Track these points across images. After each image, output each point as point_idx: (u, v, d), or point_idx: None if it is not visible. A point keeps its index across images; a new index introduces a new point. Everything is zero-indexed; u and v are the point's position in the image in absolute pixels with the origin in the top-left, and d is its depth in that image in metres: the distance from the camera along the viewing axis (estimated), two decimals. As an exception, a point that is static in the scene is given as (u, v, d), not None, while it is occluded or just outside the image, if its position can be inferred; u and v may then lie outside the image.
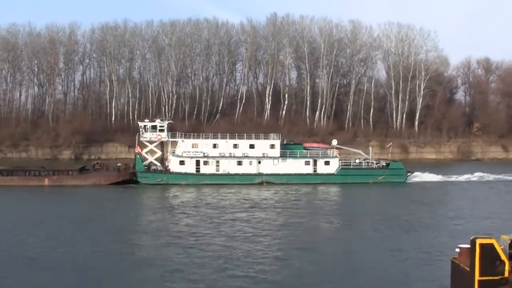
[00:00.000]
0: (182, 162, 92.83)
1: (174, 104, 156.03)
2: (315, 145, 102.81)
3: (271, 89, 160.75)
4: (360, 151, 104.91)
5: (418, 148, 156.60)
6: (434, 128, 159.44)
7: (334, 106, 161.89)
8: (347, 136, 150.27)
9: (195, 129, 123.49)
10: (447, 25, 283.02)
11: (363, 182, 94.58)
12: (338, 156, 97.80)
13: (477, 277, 28.38)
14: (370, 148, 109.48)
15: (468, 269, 28.84)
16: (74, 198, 78.74)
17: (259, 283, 38.52)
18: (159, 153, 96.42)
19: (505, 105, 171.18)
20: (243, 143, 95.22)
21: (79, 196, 79.84)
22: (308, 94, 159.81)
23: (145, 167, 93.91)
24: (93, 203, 74.21)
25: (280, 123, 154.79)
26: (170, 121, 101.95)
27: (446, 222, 61.42)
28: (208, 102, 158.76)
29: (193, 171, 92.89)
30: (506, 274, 28.53)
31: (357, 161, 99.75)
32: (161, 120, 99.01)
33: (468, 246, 29.41)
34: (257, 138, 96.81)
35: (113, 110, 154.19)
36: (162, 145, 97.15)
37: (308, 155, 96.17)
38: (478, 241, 28.50)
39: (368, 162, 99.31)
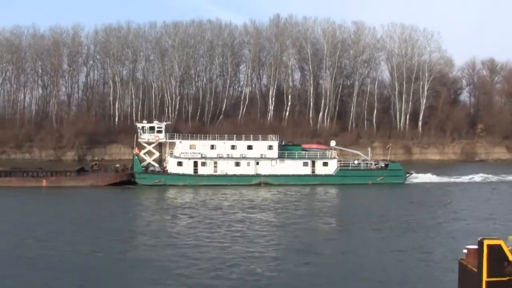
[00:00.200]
0: (180, 163, 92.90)
1: (177, 106, 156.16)
2: (314, 146, 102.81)
3: (275, 90, 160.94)
4: (359, 152, 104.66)
5: (421, 149, 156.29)
6: (437, 129, 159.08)
7: (337, 107, 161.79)
8: (350, 137, 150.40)
9: (199, 130, 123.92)
10: (451, 26, 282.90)
11: (361, 183, 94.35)
12: (337, 157, 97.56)
13: (484, 278, 28.20)
14: (369, 149, 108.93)
15: (476, 270, 28.65)
16: (71, 199, 78.80)
17: (257, 284, 38.45)
18: (157, 154, 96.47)
19: (510, 106, 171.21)
20: (241, 144, 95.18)
21: (76, 197, 79.93)
22: (311, 95, 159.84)
23: (143, 168, 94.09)
24: (90, 204, 74.27)
25: (284, 124, 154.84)
26: (168, 122, 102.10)
27: (445, 223, 60.88)
28: (212, 103, 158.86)
29: (191, 172, 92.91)
30: None
31: (356, 162, 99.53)
32: (159, 121, 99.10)
33: (475, 247, 29.25)
34: (255, 139, 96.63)
35: (117, 112, 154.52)
36: (160, 146, 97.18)
37: (306, 156, 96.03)
38: (485, 242, 28.35)
39: (367, 163, 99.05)
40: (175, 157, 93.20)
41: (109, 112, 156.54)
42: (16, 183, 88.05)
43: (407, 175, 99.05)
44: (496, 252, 28.31)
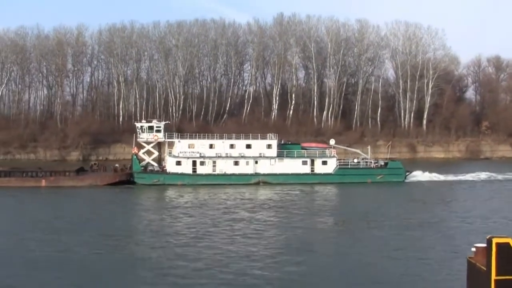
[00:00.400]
0: (178, 163, 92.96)
1: (181, 105, 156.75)
2: (313, 144, 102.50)
3: (279, 89, 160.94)
4: (358, 151, 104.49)
5: (426, 147, 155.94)
6: (442, 127, 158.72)
7: (341, 106, 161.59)
8: (354, 136, 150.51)
9: (203, 130, 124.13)
10: (457, 23, 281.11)
11: (361, 182, 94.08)
12: (336, 155, 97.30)
13: (493, 276, 27.88)
14: (369, 147, 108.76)
15: (485, 269, 28.32)
16: (69, 199, 79.12)
17: (256, 284, 38.40)
18: (156, 154, 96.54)
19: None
20: (240, 143, 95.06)
21: (74, 197, 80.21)
22: (315, 93, 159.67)
23: (142, 168, 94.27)
24: (88, 204, 74.48)
25: (288, 123, 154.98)
26: (167, 122, 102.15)
27: (445, 222, 60.54)
28: (216, 103, 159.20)
29: (190, 171, 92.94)
30: None
31: (355, 160, 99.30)
32: (158, 121, 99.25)
33: (484, 245, 29.08)
34: (254, 138, 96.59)
35: (121, 111, 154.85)
36: (159, 145, 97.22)
37: (305, 154, 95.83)
38: (494, 240, 28.07)
39: (366, 162, 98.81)
40: (174, 156, 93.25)
41: (114, 112, 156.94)
42: (15, 183, 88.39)
43: (407, 173, 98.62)
44: (505, 250, 27.99)
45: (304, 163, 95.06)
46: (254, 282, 38.68)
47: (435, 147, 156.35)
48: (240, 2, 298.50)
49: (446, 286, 38.22)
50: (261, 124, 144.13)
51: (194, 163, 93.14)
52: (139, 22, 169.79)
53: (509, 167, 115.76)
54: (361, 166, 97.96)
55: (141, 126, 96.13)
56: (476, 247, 29.66)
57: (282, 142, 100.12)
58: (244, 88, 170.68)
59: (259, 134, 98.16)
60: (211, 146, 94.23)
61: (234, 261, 43.62)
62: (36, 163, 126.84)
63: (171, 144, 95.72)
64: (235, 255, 45.53)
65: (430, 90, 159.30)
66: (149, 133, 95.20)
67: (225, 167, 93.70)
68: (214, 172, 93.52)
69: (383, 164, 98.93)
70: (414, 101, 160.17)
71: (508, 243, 28.24)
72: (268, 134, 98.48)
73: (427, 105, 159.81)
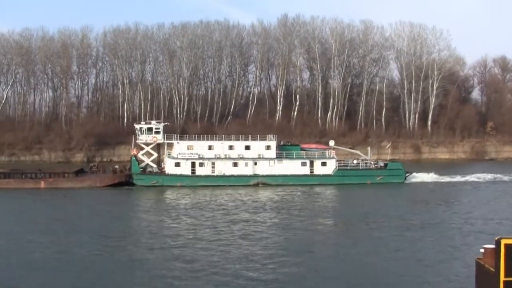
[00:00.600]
0: (177, 164, 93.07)
1: (186, 106, 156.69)
2: (313, 146, 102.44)
3: (283, 90, 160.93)
4: (358, 152, 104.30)
5: (431, 148, 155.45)
6: (447, 128, 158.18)
7: (346, 107, 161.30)
8: (359, 137, 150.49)
9: (207, 131, 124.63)
10: (463, 23, 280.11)
11: (360, 183, 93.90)
12: (335, 156, 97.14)
13: (502, 277, 27.67)
14: (369, 148, 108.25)
15: (493, 270, 28.23)
16: (68, 200, 79.46)
17: (255, 285, 38.41)
18: (155, 155, 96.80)
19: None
20: (239, 145, 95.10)
21: (73, 199, 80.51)
22: (320, 94, 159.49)
23: (141, 169, 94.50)
24: (86, 205, 74.74)
25: (292, 124, 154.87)
26: (166, 123, 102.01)
27: (445, 224, 60.15)
28: (220, 104, 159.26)
29: (189, 172, 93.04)
30: None
31: (355, 161, 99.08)
32: (157, 122, 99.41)
33: (492, 246, 28.99)
34: (253, 139, 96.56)
35: (126, 113, 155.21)
36: (158, 147, 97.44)
37: (305, 156, 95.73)
38: (503, 242, 27.92)
39: (366, 163, 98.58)
40: (173, 158, 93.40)
41: (118, 114, 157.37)
42: (15, 184, 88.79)
43: (407, 174, 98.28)
44: None
45: (303, 164, 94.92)
46: (253, 283, 38.69)
47: (440, 148, 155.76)
48: (245, 3, 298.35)
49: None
50: (266, 126, 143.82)
51: (193, 164, 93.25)
52: (143, 23, 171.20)
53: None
54: (360, 167, 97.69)
55: (140, 128, 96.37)
56: (484, 248, 29.48)
57: (282, 143, 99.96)
58: (248, 89, 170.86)
59: (258, 135, 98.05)
60: (210, 148, 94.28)
61: (233, 262, 43.66)
62: (40, 164, 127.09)
63: (170, 146, 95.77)
64: (234, 256, 45.56)
65: (435, 91, 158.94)
66: (148, 135, 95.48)
67: (224, 168, 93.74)
68: (213, 174, 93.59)
69: (382, 165, 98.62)
70: (419, 102, 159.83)
71: None
72: (267, 135, 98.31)
73: (431, 106, 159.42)
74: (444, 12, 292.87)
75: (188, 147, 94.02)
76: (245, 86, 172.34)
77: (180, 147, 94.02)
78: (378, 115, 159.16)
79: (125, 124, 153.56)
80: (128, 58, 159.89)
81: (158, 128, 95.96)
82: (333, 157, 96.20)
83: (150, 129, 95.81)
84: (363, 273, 40.90)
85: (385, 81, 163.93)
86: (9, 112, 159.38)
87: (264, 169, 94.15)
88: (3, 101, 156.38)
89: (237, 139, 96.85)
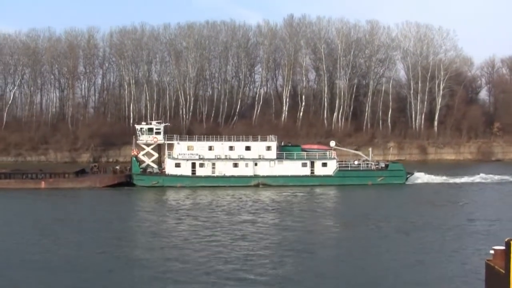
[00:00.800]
0: (178, 165, 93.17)
1: (192, 107, 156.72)
2: (315, 146, 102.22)
3: (289, 91, 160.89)
4: (359, 153, 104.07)
5: (437, 149, 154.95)
6: (453, 129, 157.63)
7: (352, 107, 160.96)
8: (365, 137, 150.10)
9: (213, 131, 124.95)
10: (471, 24, 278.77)
11: (361, 184, 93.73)
12: (336, 157, 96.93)
13: None
14: (370, 149, 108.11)
15: (503, 271, 28.27)
16: (68, 200, 79.65)
17: (255, 285, 38.49)
18: (156, 156, 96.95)
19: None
20: (239, 145, 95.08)
21: (73, 199, 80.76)
22: (326, 95, 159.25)
23: (142, 170, 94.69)
24: (85, 206, 75.20)
25: (298, 124, 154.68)
26: (166, 124, 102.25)
27: (445, 225, 59.92)
28: (226, 104, 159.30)
29: (189, 173, 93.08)
30: None
31: (356, 162, 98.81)
32: (157, 123, 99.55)
33: (502, 247, 28.99)
34: (254, 140, 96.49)
35: (132, 113, 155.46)
36: (159, 147, 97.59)
37: (305, 156, 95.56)
38: None
39: (367, 164, 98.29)
40: (173, 158, 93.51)
41: (124, 114, 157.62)
42: (15, 185, 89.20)
43: (408, 175, 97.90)
44: None
45: (304, 165, 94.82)
46: (253, 283, 38.76)
47: (446, 148, 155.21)
48: (251, 2, 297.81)
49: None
50: (271, 126, 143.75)
51: (193, 165, 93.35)
52: (150, 24, 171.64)
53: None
54: (361, 168, 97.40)
55: (141, 128, 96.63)
56: (494, 249, 29.60)
57: (282, 144, 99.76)
58: (254, 90, 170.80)
59: (259, 136, 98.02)
60: (210, 148, 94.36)
61: (233, 262, 43.80)
62: (46, 165, 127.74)
63: (170, 146, 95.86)
64: (234, 256, 45.67)
65: (441, 92, 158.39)
66: (149, 135, 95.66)
67: (225, 169, 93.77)
68: (213, 174, 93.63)
69: (383, 166, 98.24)
70: (425, 103, 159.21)
71: None
72: (268, 136, 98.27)
73: (438, 107, 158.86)
74: (451, 13, 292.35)
75: (188, 148, 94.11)
76: (251, 87, 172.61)
77: (180, 147, 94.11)
78: (384, 116, 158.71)
79: (131, 125, 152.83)
80: (134, 59, 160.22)
81: (159, 129, 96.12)
82: (333, 158, 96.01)
83: (150, 130, 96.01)
84: (363, 274, 41.00)
85: (391, 81, 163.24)
86: (16, 112, 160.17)
87: (265, 169, 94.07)
88: (10, 102, 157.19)
89: (238, 140, 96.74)
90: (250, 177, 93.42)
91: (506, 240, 28.35)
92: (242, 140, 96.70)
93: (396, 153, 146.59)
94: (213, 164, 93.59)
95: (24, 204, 76.37)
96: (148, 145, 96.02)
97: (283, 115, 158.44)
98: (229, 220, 62.38)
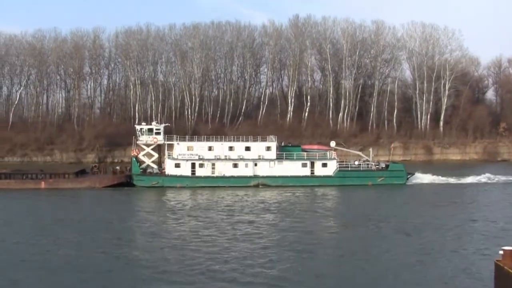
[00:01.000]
0: (177, 165, 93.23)
1: (197, 107, 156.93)
2: (315, 147, 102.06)
3: (295, 91, 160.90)
4: (360, 153, 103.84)
5: (442, 149, 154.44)
6: (459, 129, 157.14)
7: (357, 107, 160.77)
8: (370, 138, 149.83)
9: (218, 132, 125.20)
10: (477, 24, 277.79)
11: (361, 184, 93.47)
12: (336, 157, 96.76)
13: None
14: (371, 149, 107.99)
15: None
16: (67, 201, 79.69)
17: (255, 285, 38.49)
18: (156, 156, 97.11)
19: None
20: (239, 146, 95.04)
21: (72, 199, 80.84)
22: (331, 95, 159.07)
23: (141, 170, 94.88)
24: (86, 206, 75.57)
25: (303, 124, 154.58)
26: (166, 124, 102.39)
27: (446, 225, 59.41)
28: (231, 105, 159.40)
29: (189, 173, 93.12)
30: None
31: (356, 163, 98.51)
32: (157, 123, 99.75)
33: (511, 248, 29.01)
34: (254, 140, 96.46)
35: (137, 114, 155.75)
36: (159, 148, 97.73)
37: (305, 157, 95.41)
38: None
39: (367, 164, 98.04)
40: (173, 158, 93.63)
41: (130, 114, 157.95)
42: (15, 185, 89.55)
43: (409, 176, 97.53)
44: None
45: (304, 165, 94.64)
46: (253, 284, 38.72)
47: (452, 149, 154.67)
48: (256, 2, 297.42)
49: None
50: (277, 126, 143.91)
51: (193, 165, 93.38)
52: (155, 24, 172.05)
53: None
54: (361, 169, 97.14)
55: (141, 129, 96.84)
56: (504, 250, 29.67)
57: (282, 144, 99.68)
58: (260, 90, 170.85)
59: (259, 136, 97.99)
60: (210, 149, 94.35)
61: (232, 262, 43.72)
62: (52, 165, 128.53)
63: (170, 147, 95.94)
64: (234, 256, 45.58)
65: (447, 92, 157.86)
66: (149, 136, 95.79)
67: (224, 169, 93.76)
68: (213, 175, 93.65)
69: (384, 166, 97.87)
70: (431, 103, 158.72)
71: None
72: (268, 136, 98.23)
73: (444, 107, 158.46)
74: (457, 13, 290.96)
75: (188, 148, 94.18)
76: (256, 87, 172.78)
77: (180, 148, 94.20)
78: (390, 116, 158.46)
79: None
80: (140, 59, 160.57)
81: (159, 129, 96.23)
82: (333, 158, 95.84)
83: (150, 130, 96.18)
84: (363, 274, 40.88)
85: (397, 81, 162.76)
86: (22, 113, 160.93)
87: (264, 170, 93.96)
88: (16, 102, 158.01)
89: (237, 140, 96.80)
90: (250, 177, 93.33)
91: None
92: (242, 141, 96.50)
93: (401, 153, 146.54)
94: (213, 164, 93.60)
95: (24, 205, 76.37)
96: (148, 145, 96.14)
97: (289, 116, 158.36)
98: (229, 221, 62.28)
